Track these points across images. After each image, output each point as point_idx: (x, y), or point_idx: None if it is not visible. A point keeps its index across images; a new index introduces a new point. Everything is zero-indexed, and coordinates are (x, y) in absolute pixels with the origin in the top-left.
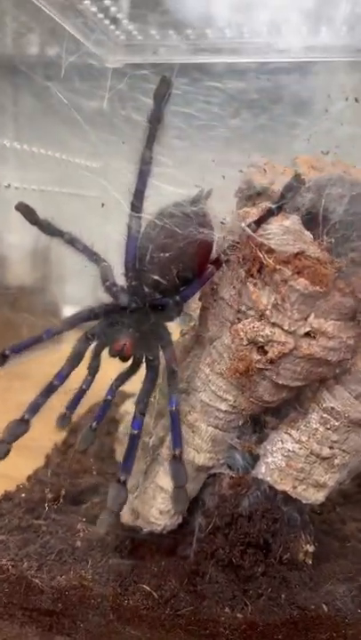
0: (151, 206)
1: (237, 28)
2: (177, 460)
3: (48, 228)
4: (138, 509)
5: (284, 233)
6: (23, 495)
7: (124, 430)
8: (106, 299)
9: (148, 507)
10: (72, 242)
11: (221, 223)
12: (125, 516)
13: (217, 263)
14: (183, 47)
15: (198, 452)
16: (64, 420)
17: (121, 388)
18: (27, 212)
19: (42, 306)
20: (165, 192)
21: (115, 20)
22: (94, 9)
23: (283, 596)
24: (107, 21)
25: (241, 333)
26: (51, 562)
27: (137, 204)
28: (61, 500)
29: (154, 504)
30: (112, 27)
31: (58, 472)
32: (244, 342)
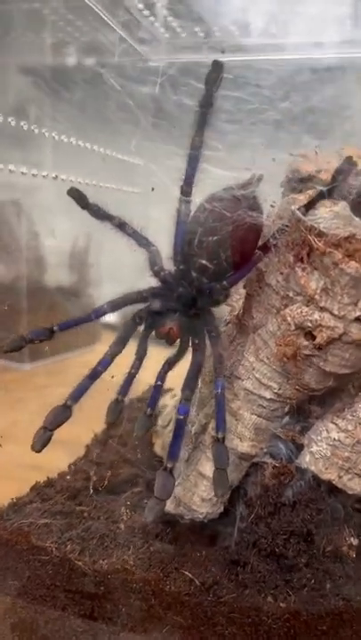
0: (200, 192)
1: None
2: (220, 442)
3: (98, 213)
4: (180, 497)
5: (333, 217)
6: (65, 483)
7: (163, 424)
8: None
9: (190, 494)
10: (121, 226)
11: (271, 207)
12: (167, 504)
13: (265, 248)
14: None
15: (241, 440)
16: (117, 405)
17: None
18: (78, 197)
19: (79, 308)
20: (216, 176)
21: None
22: (141, 5)
23: (327, 587)
24: (152, 18)
25: (288, 318)
26: (93, 546)
27: (187, 189)
28: (101, 489)
29: (196, 491)
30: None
31: (98, 462)
32: (292, 327)
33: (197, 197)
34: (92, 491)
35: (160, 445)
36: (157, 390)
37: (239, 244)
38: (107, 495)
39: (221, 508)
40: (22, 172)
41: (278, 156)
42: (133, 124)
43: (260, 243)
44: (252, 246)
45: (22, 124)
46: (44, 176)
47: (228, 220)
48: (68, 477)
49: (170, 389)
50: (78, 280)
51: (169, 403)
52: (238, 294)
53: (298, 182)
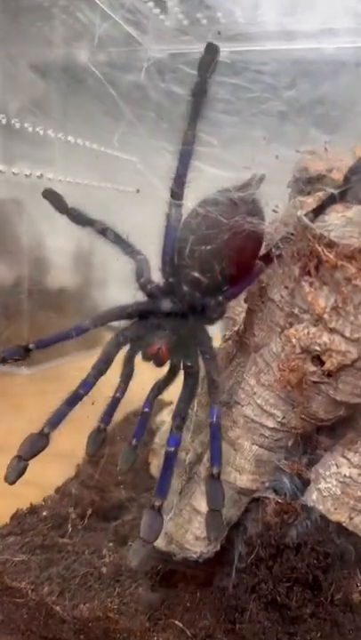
0: (192, 193)
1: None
2: (214, 479)
3: (78, 218)
4: (171, 533)
5: (346, 224)
6: (50, 510)
7: (160, 442)
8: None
9: (182, 531)
10: (104, 232)
11: (273, 212)
12: (157, 540)
13: (267, 259)
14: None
15: (240, 473)
16: (99, 434)
17: (159, 397)
18: (54, 199)
19: (84, 309)
20: (210, 176)
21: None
22: None
23: None
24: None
25: (293, 340)
26: (75, 586)
27: (177, 191)
28: (89, 516)
29: (189, 528)
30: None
31: (88, 484)
32: (297, 350)
33: (189, 201)
34: (75, 522)
35: (157, 466)
36: (145, 418)
37: (236, 255)
38: (97, 522)
39: (218, 547)
40: (25, 175)
41: (283, 152)
42: (115, 117)
43: (261, 253)
44: (251, 257)
45: (26, 125)
46: (49, 178)
47: (224, 226)
48: (54, 502)
49: (170, 403)
50: (82, 282)
51: (167, 419)
52: (241, 307)
53: (306, 183)
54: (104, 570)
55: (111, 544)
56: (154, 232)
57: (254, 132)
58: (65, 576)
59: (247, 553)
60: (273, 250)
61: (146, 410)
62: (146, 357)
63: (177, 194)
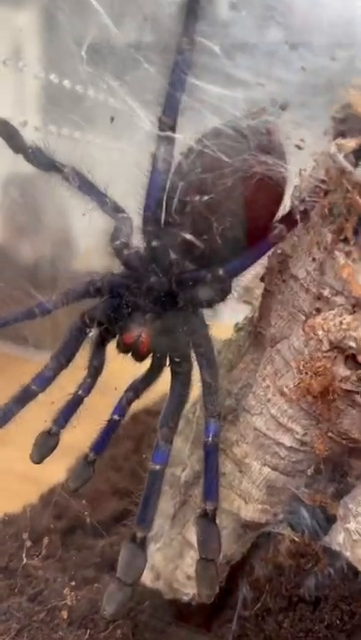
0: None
1: None
2: (208, 519)
3: (38, 159)
4: (159, 568)
5: None
6: (29, 520)
7: None
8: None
9: (172, 566)
10: (73, 179)
11: (297, 148)
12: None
13: (289, 219)
14: None
15: (246, 502)
16: (49, 439)
17: None
18: (4, 131)
19: None
20: (212, 97)
21: None
22: None
23: None
24: None
25: (320, 332)
26: (36, 625)
27: (167, 119)
28: (73, 531)
29: (180, 564)
30: None
31: (80, 492)
32: (325, 346)
33: (185, 135)
34: (51, 539)
35: None
36: (111, 427)
37: (246, 210)
38: (82, 539)
39: (217, 590)
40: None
41: (310, 62)
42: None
43: (280, 210)
44: (266, 214)
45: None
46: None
47: (229, 168)
48: (36, 512)
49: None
50: (113, 266)
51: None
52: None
53: (347, 123)
54: (75, 604)
55: (91, 570)
56: (132, 179)
57: (272, 34)
58: (27, 610)
59: (253, 599)
60: (298, 206)
61: (115, 417)
62: (121, 348)
63: (166, 124)
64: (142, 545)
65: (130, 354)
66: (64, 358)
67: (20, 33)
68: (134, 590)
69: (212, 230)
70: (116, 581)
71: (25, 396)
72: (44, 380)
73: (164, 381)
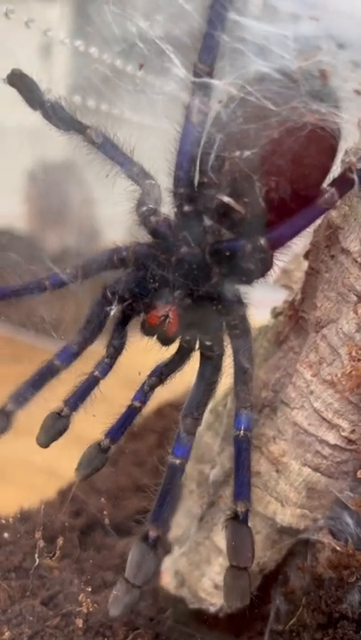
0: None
1: None
2: (239, 522)
3: (58, 116)
4: (184, 573)
5: None
6: (45, 517)
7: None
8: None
9: (198, 573)
10: (97, 139)
11: (357, 94)
12: (166, 578)
13: (342, 182)
14: None
15: (283, 505)
16: (58, 421)
17: None
18: (22, 85)
19: None
20: (254, 36)
21: None
22: None
23: None
24: None
25: None
26: (49, 631)
27: (204, 67)
28: (92, 529)
29: (207, 571)
30: None
31: (99, 487)
32: None
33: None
34: (67, 537)
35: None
36: (130, 413)
37: (292, 169)
38: (101, 538)
39: (247, 602)
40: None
41: None
42: None
43: (333, 170)
44: (318, 173)
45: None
46: None
47: (275, 119)
48: (53, 508)
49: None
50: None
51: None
52: (302, 270)
53: None
54: (92, 610)
55: (110, 572)
56: (162, 140)
57: None
58: (40, 614)
59: (287, 612)
60: (354, 165)
61: (136, 403)
62: (146, 329)
63: (202, 69)
64: (155, 545)
65: (155, 337)
66: (88, 333)
67: None
68: (138, 592)
69: (254, 192)
70: (124, 582)
71: (46, 373)
72: (68, 356)
73: (192, 370)
